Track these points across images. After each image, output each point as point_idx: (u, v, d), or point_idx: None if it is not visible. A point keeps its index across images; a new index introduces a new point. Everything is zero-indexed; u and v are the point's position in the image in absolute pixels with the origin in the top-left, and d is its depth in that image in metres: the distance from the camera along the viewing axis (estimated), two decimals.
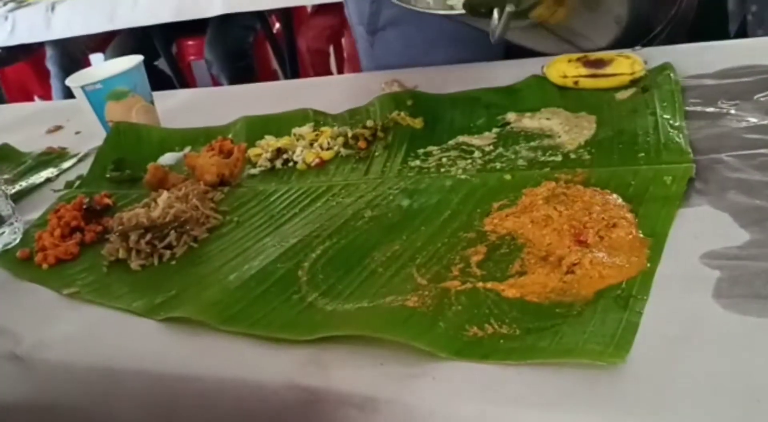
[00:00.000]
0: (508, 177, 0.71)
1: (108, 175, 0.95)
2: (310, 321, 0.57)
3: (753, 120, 0.71)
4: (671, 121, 0.73)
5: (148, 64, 2.86)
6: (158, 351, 0.61)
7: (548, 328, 0.51)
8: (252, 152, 0.90)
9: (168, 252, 0.73)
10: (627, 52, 0.89)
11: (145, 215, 0.74)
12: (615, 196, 0.63)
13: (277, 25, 2.96)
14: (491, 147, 0.78)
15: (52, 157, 1.09)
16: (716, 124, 0.72)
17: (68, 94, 1.05)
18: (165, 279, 0.69)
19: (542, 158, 0.73)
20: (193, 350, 0.59)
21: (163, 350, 0.61)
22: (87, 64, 2.91)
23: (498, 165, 0.74)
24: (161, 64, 2.93)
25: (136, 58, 1.03)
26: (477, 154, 0.78)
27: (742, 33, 1.83)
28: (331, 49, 2.89)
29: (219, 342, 0.59)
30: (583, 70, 0.86)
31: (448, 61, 1.02)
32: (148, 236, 0.73)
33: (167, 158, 0.96)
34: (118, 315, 0.67)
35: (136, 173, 0.93)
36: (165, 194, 0.77)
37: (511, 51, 1.00)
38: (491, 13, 0.71)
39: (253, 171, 0.88)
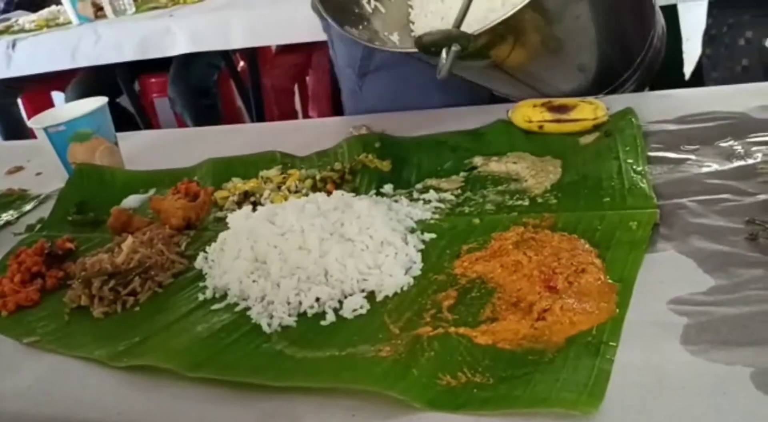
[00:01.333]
0: (476, 221, 0.72)
1: (70, 218, 0.93)
2: (280, 368, 0.57)
3: (714, 165, 0.73)
4: (634, 166, 0.75)
5: (110, 101, 2.86)
6: (121, 402, 0.59)
7: (521, 376, 0.51)
8: (218, 195, 0.89)
9: (132, 299, 0.71)
10: (590, 98, 0.91)
11: (108, 261, 0.73)
12: (582, 241, 0.64)
13: (242, 63, 2.96)
14: (459, 190, 0.79)
15: (12, 198, 1.06)
16: (678, 169, 0.74)
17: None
18: (129, 327, 0.68)
19: (510, 202, 0.74)
20: (157, 401, 0.58)
21: (126, 401, 0.59)
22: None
23: (466, 209, 0.75)
24: (123, 100, 2.90)
25: (101, 100, 1.02)
26: (445, 196, 0.78)
27: (698, 75, 1.89)
28: (296, 88, 2.90)
29: (184, 394, 0.57)
30: (548, 115, 0.88)
31: (438, 106, 1.03)
32: (112, 282, 0.72)
33: (131, 201, 0.95)
34: (80, 365, 0.65)
35: (99, 216, 0.91)
36: (129, 239, 0.76)
37: (497, 97, 1.02)
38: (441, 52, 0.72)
39: (220, 214, 0.87)
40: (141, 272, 0.73)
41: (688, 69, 2.07)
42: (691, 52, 2.05)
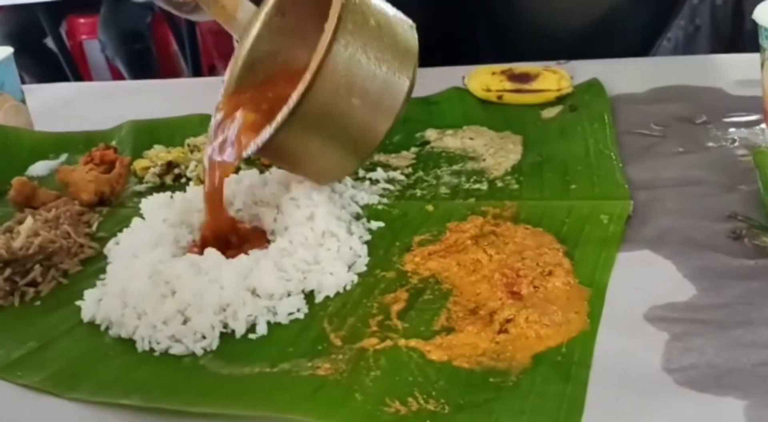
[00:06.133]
0: (430, 208, 0.64)
1: None
2: (199, 388, 0.48)
3: (689, 148, 0.66)
4: (603, 148, 0.68)
5: (36, 43, 2.65)
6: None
7: (481, 404, 0.44)
8: (138, 164, 0.79)
9: (32, 290, 0.62)
10: (552, 65, 0.84)
11: (4, 246, 0.62)
12: (549, 236, 0.57)
13: None
14: (410, 169, 0.71)
15: None
16: (650, 151, 0.67)
17: None
18: (26, 325, 0.58)
19: (466, 185, 0.66)
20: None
21: (19, 420, 0.50)
22: None
23: (418, 192, 0.67)
24: (50, 42, 2.70)
25: (4, 51, 0.89)
26: (395, 176, 0.70)
27: None
28: None
29: (91, 414, 0.49)
30: (508, 85, 0.80)
31: None
32: (8, 271, 0.62)
33: (39, 168, 0.84)
34: None
35: (0, 185, 0.80)
36: (29, 219, 0.65)
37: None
38: None
39: (139, 187, 0.77)
40: (42, 259, 0.63)
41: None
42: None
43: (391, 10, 0.59)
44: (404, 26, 0.59)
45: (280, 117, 0.54)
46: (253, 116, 0.60)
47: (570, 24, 0.92)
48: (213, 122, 0.63)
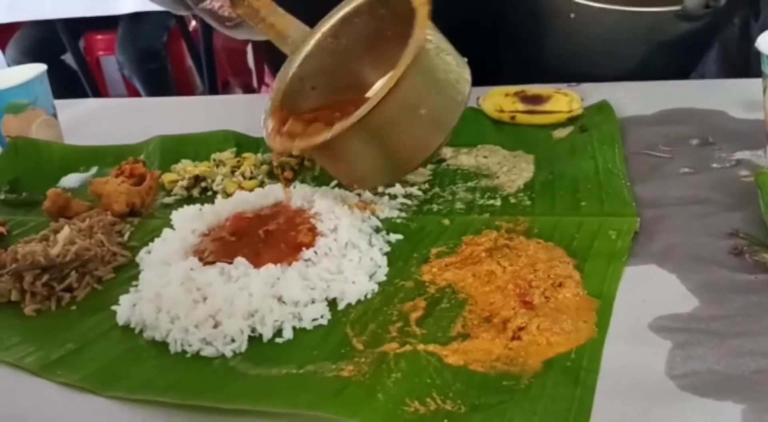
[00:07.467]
0: (446, 222, 0.67)
1: (2, 198, 0.85)
2: (229, 388, 0.52)
3: (694, 169, 0.70)
4: (611, 167, 0.71)
5: (55, 59, 2.71)
6: (53, 419, 0.53)
7: (495, 405, 0.47)
8: (167, 178, 0.82)
9: (68, 296, 0.65)
10: (564, 87, 0.87)
11: (42, 252, 0.66)
12: (560, 250, 0.60)
13: (194, 22, 2.84)
14: (427, 185, 0.74)
15: None
16: (657, 172, 0.71)
17: None
18: (63, 328, 0.62)
19: (481, 201, 0.70)
20: (96, 419, 0.52)
21: (58, 417, 0.53)
22: None
23: (435, 207, 0.70)
24: (69, 58, 2.76)
25: (38, 67, 0.93)
26: (412, 191, 0.73)
27: None
28: (249, 48, 2.79)
29: (128, 411, 0.52)
30: (520, 106, 0.84)
31: None
32: (45, 277, 0.65)
33: (71, 180, 0.88)
34: (8, 372, 0.58)
35: (34, 196, 0.84)
36: (66, 229, 0.69)
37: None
38: None
39: (167, 199, 0.80)
40: (78, 266, 0.67)
41: None
42: None
43: (454, 56, 0.64)
44: (459, 60, 0.64)
45: (346, 120, 0.59)
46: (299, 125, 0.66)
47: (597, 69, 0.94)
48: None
